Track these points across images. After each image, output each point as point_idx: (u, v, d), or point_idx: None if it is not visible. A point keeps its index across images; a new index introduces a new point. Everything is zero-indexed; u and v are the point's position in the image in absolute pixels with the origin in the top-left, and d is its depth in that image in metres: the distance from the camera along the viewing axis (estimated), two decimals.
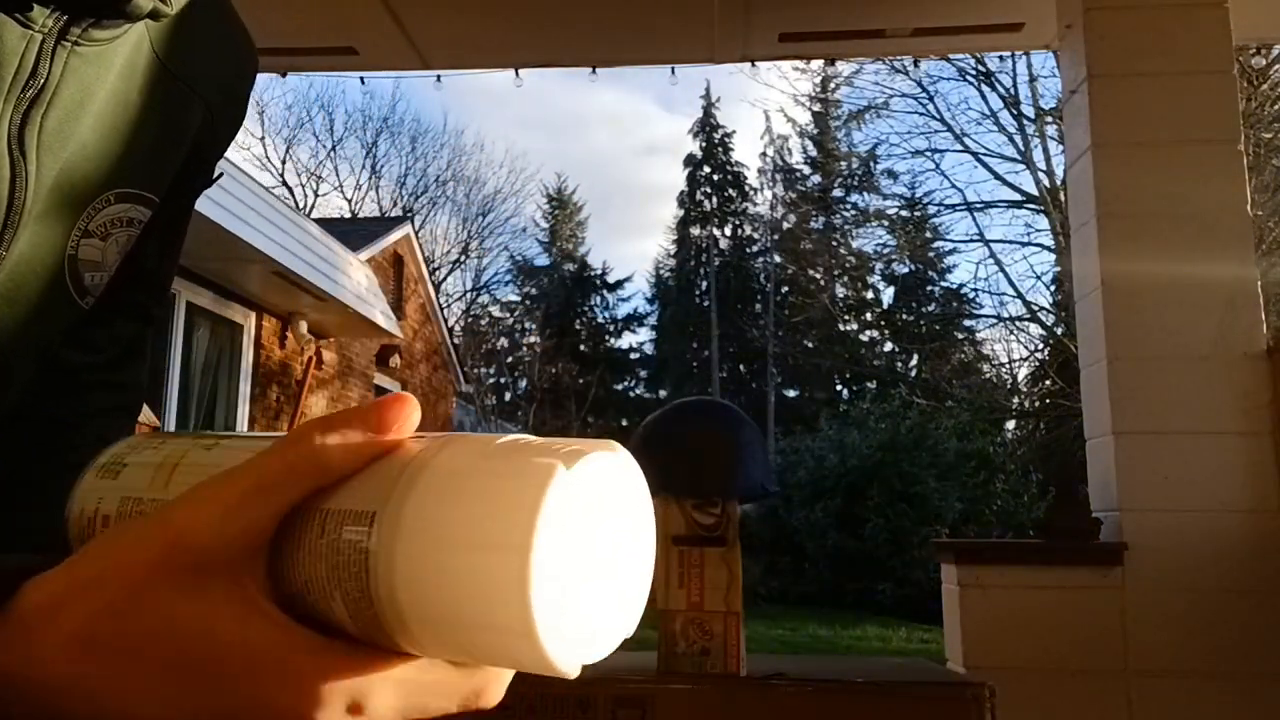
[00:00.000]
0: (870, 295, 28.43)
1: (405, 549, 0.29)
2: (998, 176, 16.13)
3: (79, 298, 0.63)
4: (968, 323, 20.85)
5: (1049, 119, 13.90)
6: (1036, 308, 15.41)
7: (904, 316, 26.46)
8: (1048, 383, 15.08)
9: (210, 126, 0.71)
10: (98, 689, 0.32)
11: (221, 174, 0.78)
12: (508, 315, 30.79)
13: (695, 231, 33.63)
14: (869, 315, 28.38)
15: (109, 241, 0.63)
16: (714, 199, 33.78)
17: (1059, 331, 14.17)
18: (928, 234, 19.74)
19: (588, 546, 0.30)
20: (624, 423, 30.15)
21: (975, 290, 23.36)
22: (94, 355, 0.71)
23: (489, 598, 0.28)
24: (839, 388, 28.14)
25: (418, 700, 0.33)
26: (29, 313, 0.59)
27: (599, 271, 34.54)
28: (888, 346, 27.39)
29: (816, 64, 13.20)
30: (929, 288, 26.12)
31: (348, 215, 23.06)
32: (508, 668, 0.30)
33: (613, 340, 34.02)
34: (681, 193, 33.96)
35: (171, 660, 0.32)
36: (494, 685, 0.34)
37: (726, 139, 33.88)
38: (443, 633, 0.30)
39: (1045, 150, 14.61)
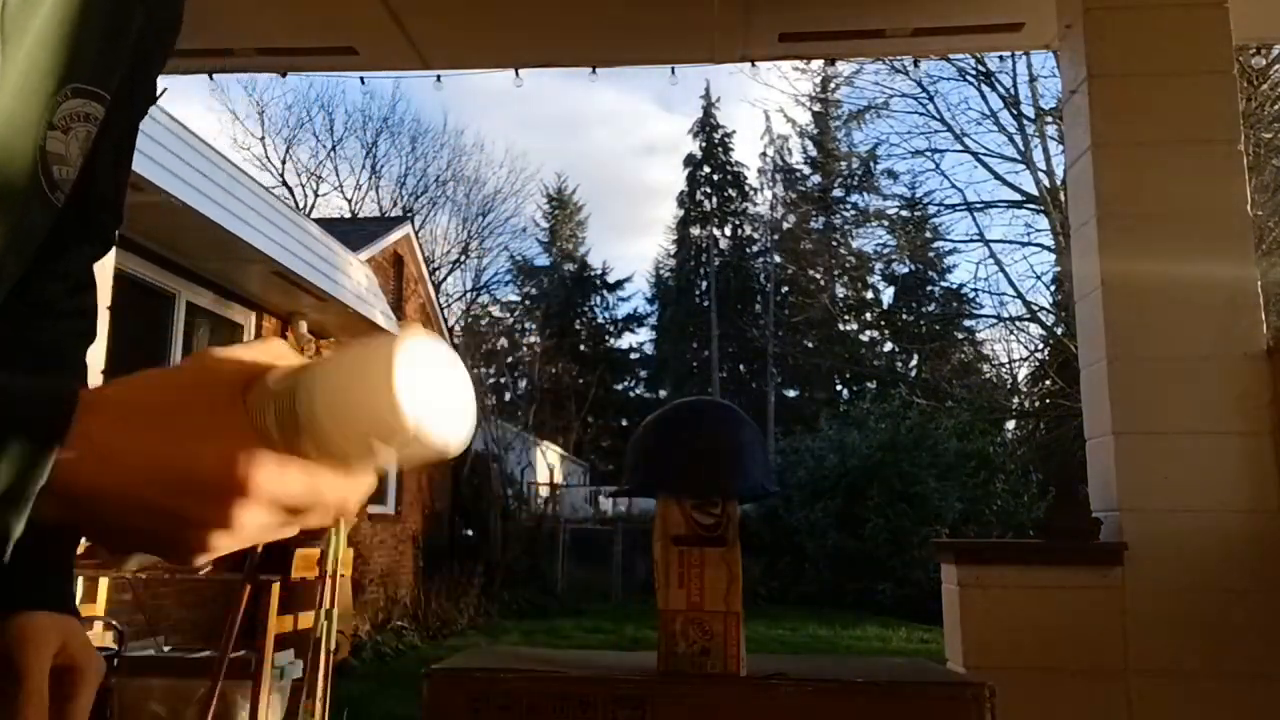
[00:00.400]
0: (870, 295, 28.45)
1: (321, 375, 0.46)
2: (998, 176, 16.10)
3: (50, 192, 0.64)
4: (968, 323, 20.84)
5: (1049, 119, 13.89)
6: (1036, 308, 15.39)
7: (904, 316, 26.48)
8: (1048, 383, 15.06)
9: (150, 31, 0.73)
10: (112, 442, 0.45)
11: (165, 90, 0.78)
12: (508, 315, 30.78)
13: (695, 231, 33.63)
14: (869, 315, 28.39)
15: (70, 136, 0.65)
16: (714, 199, 33.78)
17: (1059, 331, 14.15)
18: (928, 234, 19.71)
19: (426, 379, 0.46)
20: (624, 423, 30.15)
21: (975, 290, 23.39)
22: (60, 282, 0.74)
23: (369, 387, 0.45)
24: (839, 388, 28.14)
25: (312, 487, 0.47)
26: (10, 202, 0.61)
27: (599, 271, 34.57)
28: (888, 346, 27.39)
29: (816, 64, 13.19)
30: (929, 288, 26.14)
31: (348, 215, 23.06)
32: (382, 440, 0.46)
33: (613, 340, 34.04)
34: (681, 193, 33.99)
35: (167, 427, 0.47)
36: (356, 496, 0.49)
37: (726, 139, 33.90)
38: (342, 422, 0.46)
39: (1045, 150, 14.59)
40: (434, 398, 0.47)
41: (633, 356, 34.00)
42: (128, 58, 0.71)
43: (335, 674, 3.88)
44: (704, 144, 33.85)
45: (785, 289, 29.40)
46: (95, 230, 0.77)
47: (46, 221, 0.67)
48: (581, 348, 31.43)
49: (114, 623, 3.60)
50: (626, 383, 33.53)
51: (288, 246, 7.33)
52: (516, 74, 4.02)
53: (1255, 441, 2.64)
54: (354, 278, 8.95)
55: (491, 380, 23.76)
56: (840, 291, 28.25)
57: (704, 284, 32.71)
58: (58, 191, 0.66)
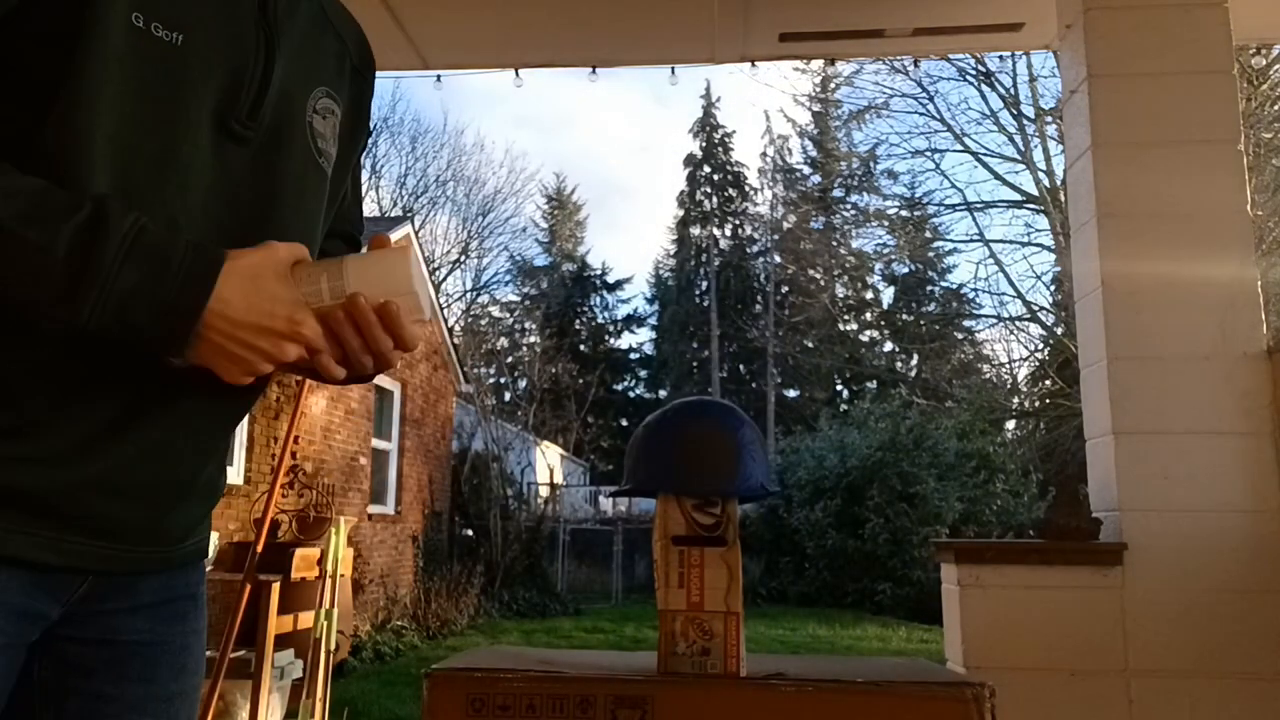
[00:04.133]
0: (870, 295, 28.43)
1: (356, 263, 0.85)
2: (998, 176, 16.11)
3: (317, 156, 0.96)
4: (968, 323, 20.84)
5: (1049, 119, 13.89)
6: (1036, 308, 15.39)
7: (904, 316, 26.45)
8: (1048, 383, 15.07)
9: (356, 73, 1.05)
10: (230, 295, 0.78)
11: (373, 132, 1.24)
12: (508, 315, 30.77)
13: (695, 231, 33.61)
14: (869, 315, 28.38)
15: (326, 121, 0.98)
16: (714, 199, 33.76)
17: (1059, 331, 14.16)
18: (928, 234, 19.72)
19: (418, 271, 0.87)
20: (624, 423, 30.14)
21: (975, 290, 23.36)
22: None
23: (395, 274, 0.86)
24: (839, 388, 28.13)
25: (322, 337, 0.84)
26: (293, 154, 0.93)
27: (599, 271, 34.57)
28: (888, 346, 27.39)
29: (816, 64, 13.19)
30: (929, 288, 26.11)
31: None
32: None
33: (613, 340, 34.03)
34: (681, 193, 33.97)
35: (256, 288, 0.79)
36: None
37: (726, 139, 33.89)
38: (375, 291, 0.84)
39: (1045, 150, 14.59)
40: (419, 280, 0.86)
41: (633, 356, 34.00)
42: (348, 83, 1.03)
43: (335, 674, 3.88)
44: (704, 144, 33.84)
45: (785, 289, 29.38)
46: (341, 235, 1.10)
47: (321, 185, 0.98)
48: (581, 348, 31.41)
49: None
50: (626, 383, 33.52)
51: None
52: (516, 74, 4.02)
53: (1255, 441, 2.64)
54: None
55: (491, 380, 23.74)
56: (840, 291, 28.24)
57: (704, 284, 32.70)
58: (322, 158, 0.97)
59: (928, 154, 16.59)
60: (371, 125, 1.14)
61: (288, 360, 0.82)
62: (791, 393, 29.89)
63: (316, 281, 0.82)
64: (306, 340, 0.81)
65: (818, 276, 28.02)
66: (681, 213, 33.85)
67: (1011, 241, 16.46)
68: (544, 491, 16.30)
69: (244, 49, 0.87)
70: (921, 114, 16.23)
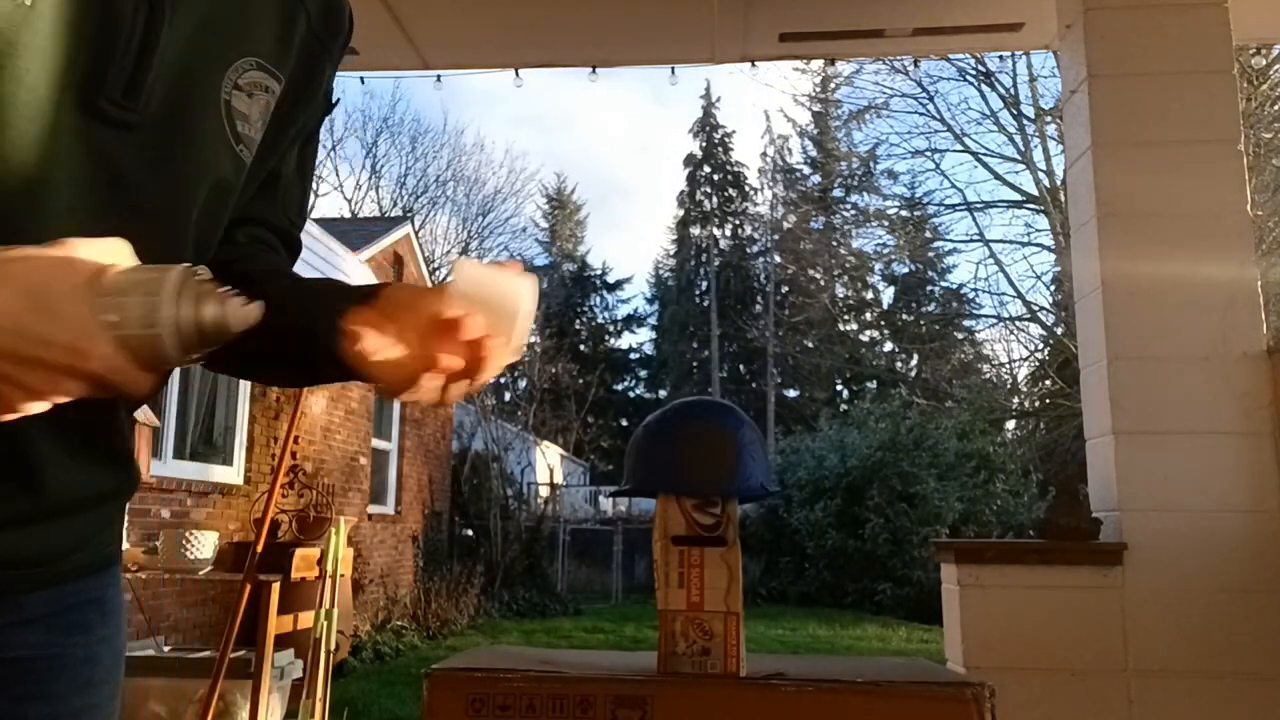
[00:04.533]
0: (870, 295, 28.43)
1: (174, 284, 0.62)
2: (998, 176, 16.12)
3: (234, 143, 0.79)
4: (968, 323, 20.84)
5: (1049, 119, 13.90)
6: (1036, 308, 15.40)
7: (904, 316, 26.45)
8: (1048, 383, 15.07)
9: (315, 37, 0.88)
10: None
11: (339, 100, 0.99)
12: None
13: (695, 231, 33.61)
14: (869, 315, 28.38)
15: (254, 99, 0.80)
16: (714, 199, 33.76)
17: (1059, 331, 14.16)
18: (928, 234, 19.72)
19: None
20: (624, 423, 30.13)
21: (975, 290, 23.32)
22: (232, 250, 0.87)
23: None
24: (839, 388, 28.13)
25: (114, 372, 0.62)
26: (200, 140, 0.76)
27: (599, 271, 34.58)
28: (888, 346, 27.39)
29: (816, 64, 13.19)
30: (929, 288, 26.10)
31: (348, 215, 23.06)
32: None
33: (613, 340, 34.02)
34: (681, 193, 33.97)
35: (33, 305, 0.58)
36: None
37: (726, 139, 33.88)
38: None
39: (1045, 150, 14.60)
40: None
41: (633, 356, 34.00)
42: (297, 52, 0.85)
43: (335, 674, 3.88)
44: (704, 144, 33.83)
45: (785, 289, 29.38)
46: (273, 225, 0.92)
47: (236, 176, 0.81)
48: (581, 348, 31.41)
49: None
50: (626, 383, 33.52)
51: None
52: (516, 74, 4.02)
53: (1255, 441, 2.64)
54: (354, 278, 8.94)
55: (492, 380, 23.69)
56: (840, 291, 28.24)
57: (704, 284, 32.70)
58: (241, 145, 0.80)
59: (928, 154, 16.62)
60: (335, 99, 0.97)
61: (64, 399, 0.63)
62: (791, 393, 29.89)
63: (123, 305, 0.62)
64: (95, 376, 0.62)
65: (818, 276, 28.01)
66: (681, 213, 33.86)
67: (1011, 241, 16.47)
68: (544, 491, 16.30)
69: (118, 13, 0.71)
70: (921, 114, 16.26)
